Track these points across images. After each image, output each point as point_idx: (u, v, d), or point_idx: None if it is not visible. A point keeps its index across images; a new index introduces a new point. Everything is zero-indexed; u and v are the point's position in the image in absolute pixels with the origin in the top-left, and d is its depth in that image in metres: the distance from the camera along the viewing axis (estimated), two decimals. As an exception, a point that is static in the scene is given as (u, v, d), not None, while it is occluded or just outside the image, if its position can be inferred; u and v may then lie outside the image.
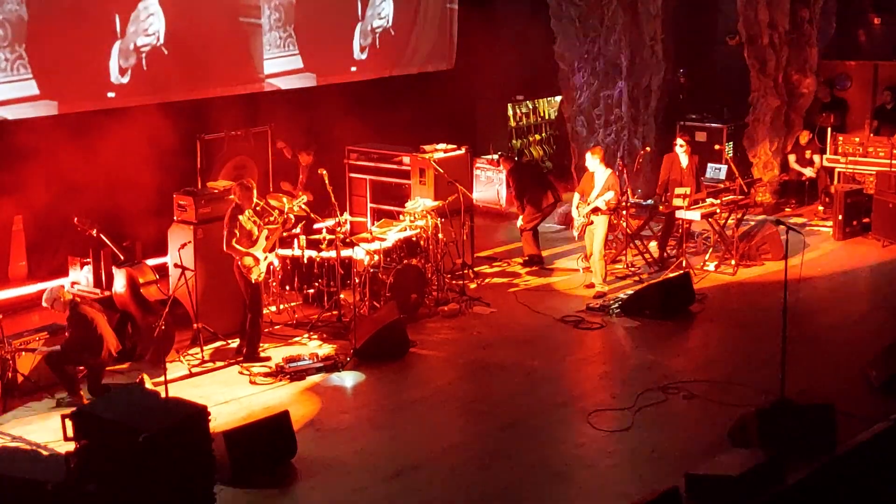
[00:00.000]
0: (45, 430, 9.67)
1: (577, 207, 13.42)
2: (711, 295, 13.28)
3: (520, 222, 14.50)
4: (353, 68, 16.13)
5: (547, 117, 19.84)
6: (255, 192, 11.32)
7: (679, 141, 14.48)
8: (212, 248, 11.59)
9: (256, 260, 11.19)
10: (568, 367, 11.53)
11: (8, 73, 12.18)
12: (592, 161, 13.41)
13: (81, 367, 10.44)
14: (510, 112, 19.25)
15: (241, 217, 11.17)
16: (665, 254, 14.64)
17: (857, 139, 17.02)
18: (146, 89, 13.44)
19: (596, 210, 13.22)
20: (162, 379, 9.83)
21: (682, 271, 13.57)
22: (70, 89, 12.76)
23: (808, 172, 17.44)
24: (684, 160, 14.38)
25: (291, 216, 11.74)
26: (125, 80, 13.26)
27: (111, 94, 13.17)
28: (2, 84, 12.17)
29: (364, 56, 16.28)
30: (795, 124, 17.70)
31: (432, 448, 9.43)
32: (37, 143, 12.39)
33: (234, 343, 11.69)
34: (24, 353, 10.44)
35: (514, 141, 19.22)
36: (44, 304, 10.50)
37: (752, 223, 15.25)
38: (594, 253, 13.38)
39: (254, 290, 11.28)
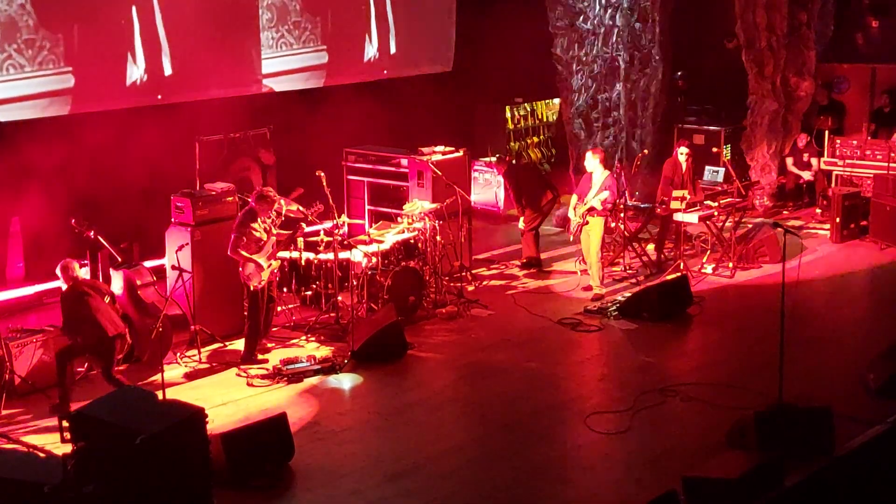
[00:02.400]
0: (42, 432, 9.65)
1: (574, 208, 13.42)
2: (709, 297, 13.28)
3: (521, 224, 14.50)
4: (351, 70, 16.12)
5: (545, 120, 19.85)
6: (275, 203, 11.34)
7: (682, 149, 14.47)
8: (209, 250, 11.60)
9: (260, 267, 11.19)
10: (566, 370, 11.53)
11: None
12: (592, 161, 13.39)
13: (81, 371, 10.43)
14: (508, 114, 19.25)
15: (253, 224, 11.19)
16: (663, 256, 14.64)
17: (855, 142, 17.03)
18: (145, 91, 13.43)
19: (592, 210, 13.21)
20: (159, 381, 9.83)
21: (679, 274, 13.57)
22: (68, 91, 12.76)
23: (806, 175, 17.45)
24: (685, 165, 14.41)
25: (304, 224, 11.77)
26: (127, 82, 13.27)
27: (115, 95, 13.20)
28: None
29: (363, 58, 16.26)
30: (793, 127, 17.72)
31: (430, 450, 9.43)
32: (34, 144, 12.38)
33: (231, 345, 11.72)
34: (17, 340, 10.41)
35: (511, 143, 19.22)
36: (57, 271, 10.38)
37: (750, 226, 15.27)
38: (591, 255, 13.38)
39: (253, 295, 11.28)
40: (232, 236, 11.17)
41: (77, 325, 10.14)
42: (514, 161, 16.08)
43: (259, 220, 11.26)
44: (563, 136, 18.12)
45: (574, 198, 13.58)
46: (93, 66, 12.91)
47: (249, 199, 11.53)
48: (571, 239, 13.72)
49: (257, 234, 11.19)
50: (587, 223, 13.26)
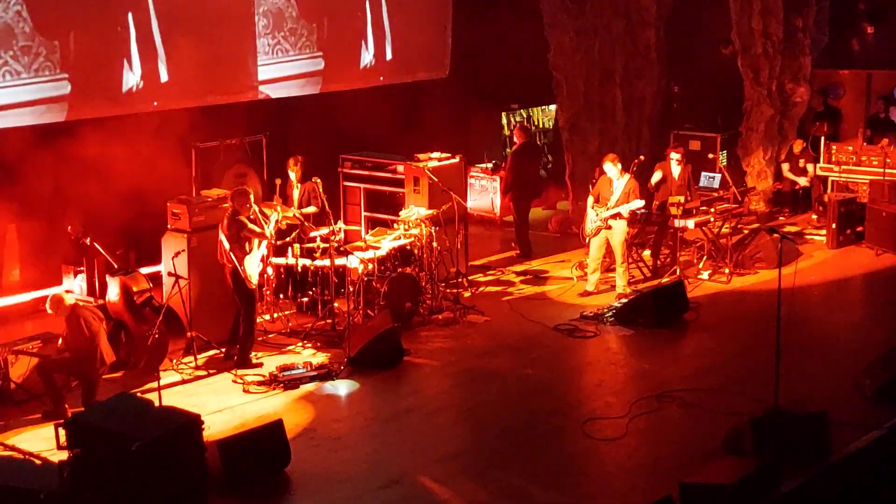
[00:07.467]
0: (38, 438, 9.64)
1: (593, 208, 13.43)
2: (705, 303, 13.29)
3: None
4: (347, 76, 16.12)
5: (541, 126, 19.86)
6: (251, 197, 11.39)
7: (674, 154, 14.48)
8: (205, 256, 11.59)
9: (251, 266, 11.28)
10: (562, 376, 11.53)
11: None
12: (613, 169, 13.39)
13: (75, 381, 10.42)
14: (504, 121, 19.26)
15: (244, 220, 11.23)
16: (659, 262, 14.65)
17: (851, 148, 17.04)
18: (141, 98, 13.43)
19: (618, 215, 13.24)
20: (155, 387, 9.82)
21: (675, 279, 13.58)
22: (64, 97, 12.76)
23: (802, 181, 17.47)
24: (676, 170, 14.41)
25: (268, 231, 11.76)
26: (123, 89, 13.27)
27: (112, 102, 13.20)
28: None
29: (359, 64, 16.28)
30: (789, 133, 17.74)
31: (426, 457, 9.42)
32: (30, 151, 12.38)
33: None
34: (17, 355, 10.42)
35: (507, 149, 19.21)
36: (48, 309, 10.47)
37: (746, 232, 15.27)
38: (617, 257, 13.44)
39: (248, 297, 11.30)
40: (222, 238, 11.21)
41: (83, 355, 10.16)
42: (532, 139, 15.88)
43: (243, 217, 11.30)
44: (559, 143, 18.13)
45: (590, 199, 13.58)
46: (89, 73, 12.91)
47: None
48: (587, 240, 13.70)
49: (245, 233, 11.27)
50: (609, 227, 13.29)
